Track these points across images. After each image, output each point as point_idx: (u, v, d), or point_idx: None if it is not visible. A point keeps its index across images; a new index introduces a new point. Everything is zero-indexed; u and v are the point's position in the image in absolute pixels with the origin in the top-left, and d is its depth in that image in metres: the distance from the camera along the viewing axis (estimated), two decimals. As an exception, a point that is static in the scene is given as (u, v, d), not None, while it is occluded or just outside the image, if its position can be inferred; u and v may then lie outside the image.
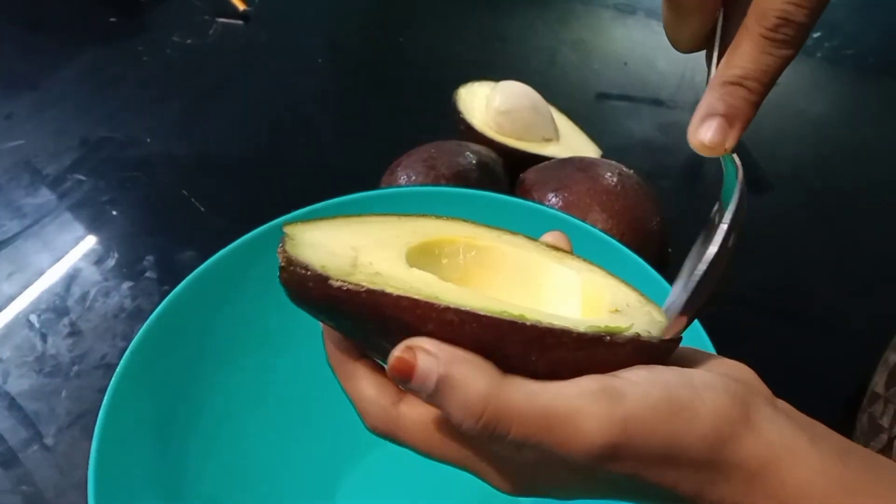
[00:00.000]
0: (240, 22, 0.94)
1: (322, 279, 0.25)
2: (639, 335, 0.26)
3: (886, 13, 0.99)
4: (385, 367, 0.26)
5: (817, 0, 0.27)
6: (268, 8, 0.95)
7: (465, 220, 0.30)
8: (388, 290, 0.24)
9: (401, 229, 0.28)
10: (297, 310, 0.52)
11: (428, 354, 0.24)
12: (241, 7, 0.93)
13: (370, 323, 0.25)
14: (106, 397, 0.42)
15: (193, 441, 0.46)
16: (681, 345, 0.29)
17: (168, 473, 0.44)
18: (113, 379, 0.43)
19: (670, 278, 0.49)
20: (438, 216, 0.30)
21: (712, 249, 0.30)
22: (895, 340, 0.48)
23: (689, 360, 0.28)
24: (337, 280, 0.25)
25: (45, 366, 0.60)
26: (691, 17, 0.31)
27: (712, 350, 0.45)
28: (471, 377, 0.24)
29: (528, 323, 0.25)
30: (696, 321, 0.46)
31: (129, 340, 0.44)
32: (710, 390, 0.25)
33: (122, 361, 0.44)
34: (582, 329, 0.25)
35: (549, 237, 0.31)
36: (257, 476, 0.48)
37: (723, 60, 0.29)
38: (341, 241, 0.27)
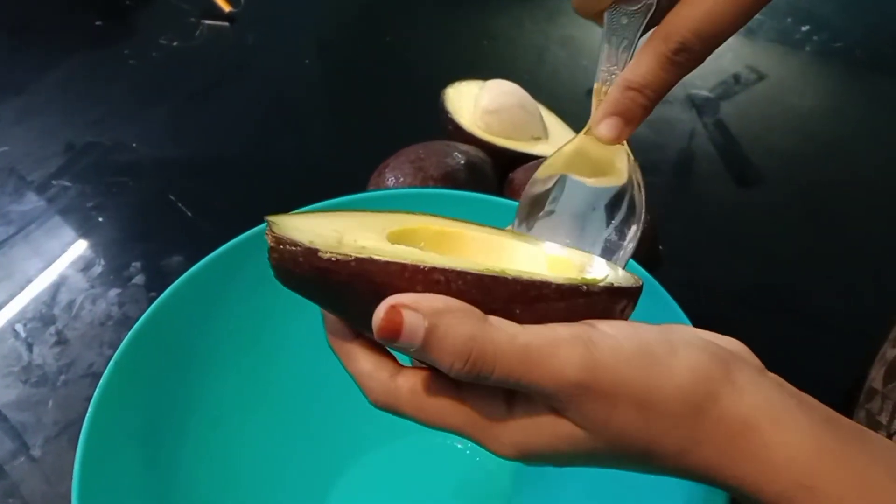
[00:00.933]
0: (226, 23, 0.93)
1: (311, 252, 0.26)
2: (612, 284, 0.28)
3: (873, 7, 0.99)
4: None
5: (713, 36, 0.30)
6: (253, 9, 0.94)
7: (435, 215, 0.32)
8: (376, 257, 0.26)
9: (379, 219, 0.30)
10: (287, 314, 0.52)
11: (411, 310, 0.25)
12: (227, 8, 0.93)
13: (360, 292, 0.26)
14: (90, 408, 0.41)
15: (182, 450, 0.45)
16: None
17: (156, 483, 0.43)
18: (97, 389, 0.42)
19: (662, 278, 0.49)
20: (411, 211, 0.32)
21: (635, 229, 0.34)
22: (893, 334, 0.48)
23: (681, 330, 0.29)
24: (326, 252, 0.26)
25: (31, 375, 0.59)
26: None
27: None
28: (455, 323, 0.25)
29: (510, 277, 0.26)
30: (683, 315, 0.47)
31: (116, 348, 0.44)
32: (689, 347, 0.26)
33: (106, 371, 0.43)
34: (560, 281, 0.27)
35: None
36: (248, 485, 0.48)
37: (629, 65, 0.33)
38: (325, 225, 0.28)
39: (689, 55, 0.31)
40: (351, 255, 0.26)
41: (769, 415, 0.26)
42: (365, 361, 0.29)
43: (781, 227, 0.72)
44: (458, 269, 0.26)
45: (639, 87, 0.32)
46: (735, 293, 0.66)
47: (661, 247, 0.64)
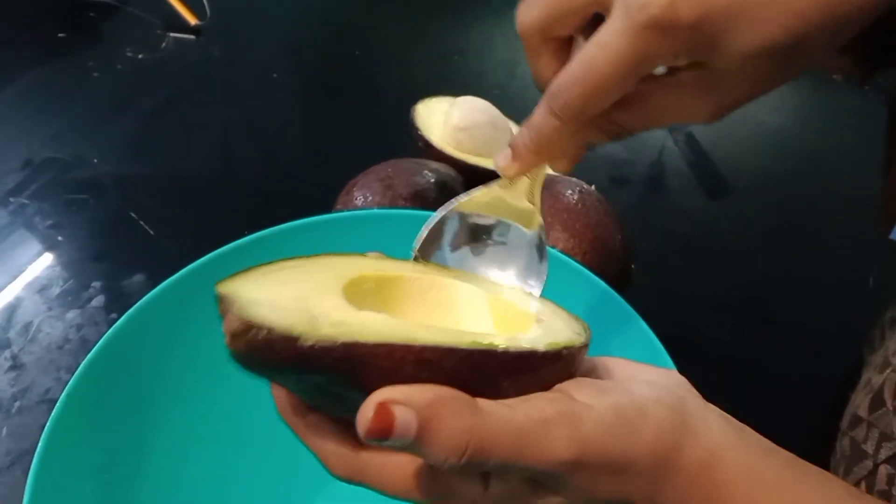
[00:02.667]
0: (191, 36, 0.91)
1: (291, 339, 0.23)
2: (585, 343, 0.28)
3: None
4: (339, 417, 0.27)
5: (590, 96, 0.30)
6: (220, 22, 0.93)
7: (370, 255, 0.32)
8: (361, 339, 0.24)
9: (327, 273, 0.28)
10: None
11: (402, 406, 0.24)
12: (192, 21, 0.91)
13: (342, 377, 0.24)
14: (42, 439, 0.40)
15: (139, 484, 0.43)
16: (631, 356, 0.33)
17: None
18: (49, 419, 0.40)
19: (634, 296, 0.48)
20: (347, 254, 0.30)
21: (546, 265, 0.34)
22: (877, 361, 0.47)
23: (625, 371, 0.31)
24: (308, 339, 0.23)
25: (-17, 403, 0.57)
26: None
27: (668, 358, 0.44)
28: (448, 416, 0.24)
29: (499, 350, 0.25)
30: (650, 331, 0.46)
31: (74, 373, 0.42)
32: (655, 406, 0.27)
33: (60, 399, 0.41)
34: (543, 348, 0.27)
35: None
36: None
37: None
38: (283, 293, 0.25)
39: (569, 112, 0.31)
40: (336, 341, 0.23)
41: (717, 453, 0.27)
42: (326, 437, 0.27)
43: (753, 240, 0.72)
44: (448, 346, 0.24)
45: (529, 127, 0.33)
46: (708, 306, 0.65)
47: (633, 265, 0.64)
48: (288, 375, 0.25)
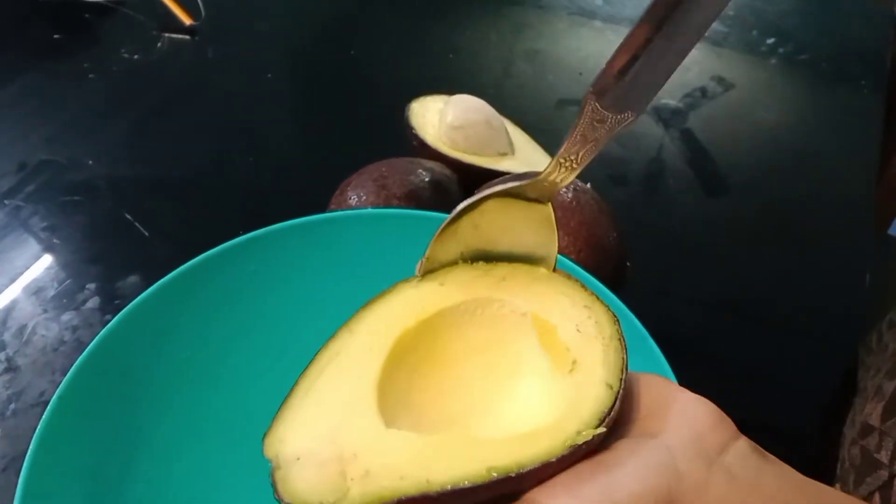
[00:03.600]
0: (186, 37, 0.91)
1: None
2: (603, 430, 0.27)
3: (837, 20, 0.99)
4: None
5: None
6: (215, 22, 0.93)
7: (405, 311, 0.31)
8: (385, 499, 0.25)
9: (357, 367, 0.29)
10: (243, 341, 0.50)
11: None
12: (187, 21, 0.91)
13: None
14: (33, 441, 0.40)
15: (131, 487, 0.43)
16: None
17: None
18: (41, 421, 0.40)
19: (629, 295, 0.48)
20: (384, 298, 0.31)
21: None
22: (888, 366, 0.47)
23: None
24: None
25: (-22, 406, 0.57)
26: None
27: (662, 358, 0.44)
28: None
29: (513, 475, 0.25)
30: (644, 330, 0.46)
31: (67, 376, 0.42)
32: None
33: (51, 402, 0.41)
34: (560, 452, 0.26)
35: None
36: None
37: None
38: (317, 430, 0.27)
39: None
40: None
41: None
42: None
43: (750, 238, 0.72)
44: (468, 485, 0.25)
45: None
46: (704, 305, 0.65)
47: (628, 263, 0.64)
48: None
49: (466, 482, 0.25)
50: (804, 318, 0.65)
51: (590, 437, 0.27)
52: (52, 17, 0.95)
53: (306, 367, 0.29)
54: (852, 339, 0.62)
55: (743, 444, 0.28)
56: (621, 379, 0.29)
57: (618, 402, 0.28)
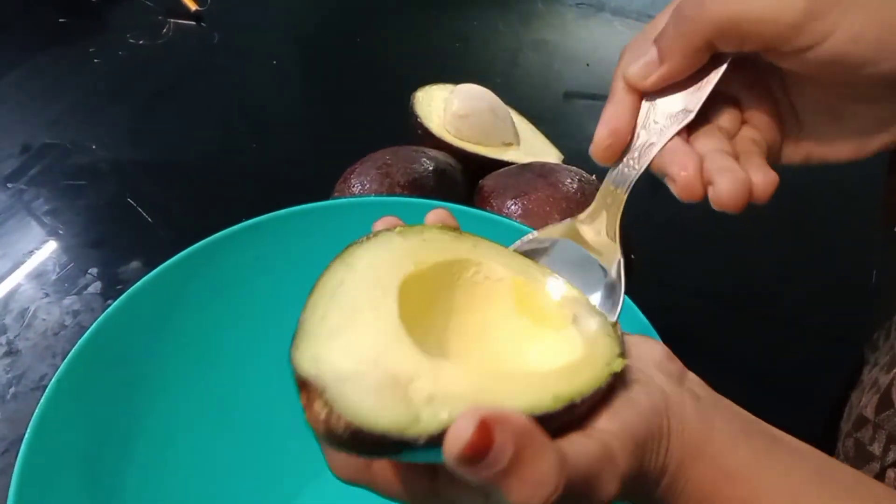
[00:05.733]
0: (192, 22, 0.91)
1: (402, 441, 0.22)
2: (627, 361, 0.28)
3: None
4: None
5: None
6: (220, 8, 0.92)
7: (440, 229, 0.31)
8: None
9: (371, 299, 0.27)
10: (244, 326, 0.50)
11: (502, 427, 0.21)
12: (193, 7, 0.90)
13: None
14: (31, 425, 0.39)
15: (128, 472, 0.43)
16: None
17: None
18: (39, 404, 0.40)
19: (633, 289, 0.48)
20: (371, 240, 0.29)
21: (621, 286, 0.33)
22: (884, 360, 0.46)
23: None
24: (421, 437, 0.22)
25: (-22, 388, 0.57)
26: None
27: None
28: (541, 447, 0.22)
29: (578, 401, 0.25)
30: (648, 323, 0.46)
31: (67, 360, 0.42)
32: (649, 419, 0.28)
33: (49, 386, 0.41)
34: (605, 380, 0.27)
35: (433, 216, 0.32)
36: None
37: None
38: (359, 353, 0.24)
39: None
40: (441, 430, 0.22)
41: (697, 448, 0.28)
42: None
43: (755, 233, 0.71)
44: (542, 413, 0.24)
45: (683, 25, 0.33)
46: (708, 299, 0.65)
47: (632, 255, 0.63)
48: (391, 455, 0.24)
49: (538, 411, 0.24)
50: (810, 314, 0.64)
51: (622, 366, 0.27)
52: (59, 1, 0.95)
53: (310, 294, 0.26)
54: (858, 337, 0.62)
55: (692, 374, 0.31)
56: (614, 324, 0.30)
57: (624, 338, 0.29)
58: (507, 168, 0.64)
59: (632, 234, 0.62)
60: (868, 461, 0.41)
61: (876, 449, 0.41)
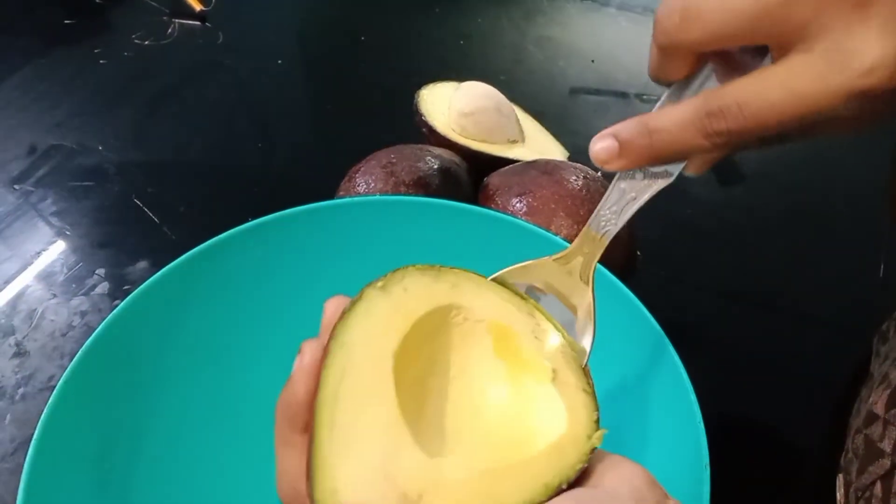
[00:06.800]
0: (197, 22, 0.91)
1: None
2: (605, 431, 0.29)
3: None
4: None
5: (757, 120, 0.28)
6: (225, 8, 0.92)
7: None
8: None
9: (369, 388, 0.28)
10: (251, 326, 0.50)
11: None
12: (198, 7, 0.91)
13: None
14: (39, 425, 0.40)
15: (136, 472, 0.43)
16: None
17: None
18: (47, 404, 0.40)
19: (639, 285, 0.48)
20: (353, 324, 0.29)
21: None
22: (893, 355, 0.46)
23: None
24: None
25: (-13, 389, 0.57)
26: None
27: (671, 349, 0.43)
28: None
29: (564, 486, 0.27)
30: (654, 321, 0.45)
31: (75, 360, 0.42)
32: None
33: (57, 386, 0.41)
34: (586, 458, 0.28)
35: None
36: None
37: (664, 104, 0.32)
38: (367, 472, 0.26)
39: (723, 126, 0.29)
40: None
41: None
42: (300, 460, 0.27)
43: (762, 227, 0.71)
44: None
45: (655, 130, 0.31)
46: (715, 295, 0.65)
47: (638, 252, 0.63)
48: None
49: None
50: (817, 307, 0.64)
51: (601, 441, 0.28)
52: (65, 2, 0.95)
53: (318, 392, 0.27)
54: (866, 329, 0.62)
55: (673, 501, 0.29)
56: (589, 382, 0.30)
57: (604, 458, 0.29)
58: (511, 166, 0.64)
59: (636, 230, 0.62)
60: (877, 458, 0.41)
61: (886, 446, 0.41)
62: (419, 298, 0.30)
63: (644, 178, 0.33)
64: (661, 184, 0.33)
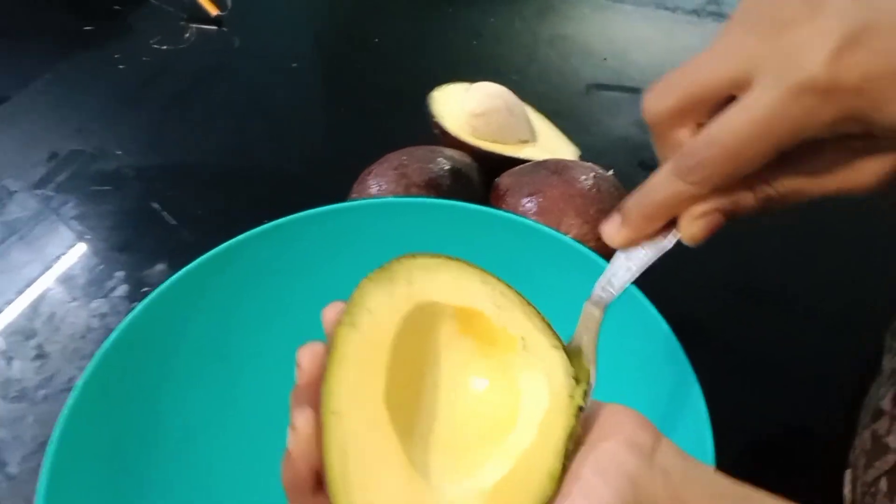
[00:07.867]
0: (213, 27, 0.92)
1: None
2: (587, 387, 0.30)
3: None
4: None
5: (726, 158, 0.29)
6: (241, 12, 0.94)
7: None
8: None
9: (366, 428, 0.28)
10: (267, 326, 0.51)
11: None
12: (213, 11, 0.92)
13: None
14: (56, 427, 0.41)
15: (154, 471, 0.44)
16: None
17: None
18: (66, 405, 0.41)
19: (646, 283, 0.48)
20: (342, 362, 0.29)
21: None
22: None
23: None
24: None
25: (10, 390, 0.58)
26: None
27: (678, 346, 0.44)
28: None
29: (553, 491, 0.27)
30: (661, 318, 0.45)
31: (94, 361, 0.43)
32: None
33: (76, 386, 0.42)
34: (571, 446, 0.28)
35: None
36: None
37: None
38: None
39: (693, 162, 0.30)
40: None
41: None
42: None
43: (770, 223, 0.70)
44: None
45: (644, 192, 0.33)
46: (723, 291, 0.65)
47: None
48: None
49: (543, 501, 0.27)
50: (828, 303, 0.64)
51: (582, 398, 0.29)
52: (83, 8, 0.97)
53: (326, 473, 0.27)
54: (877, 325, 0.61)
55: (666, 442, 0.29)
56: (556, 335, 0.31)
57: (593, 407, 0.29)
58: (522, 166, 0.64)
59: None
60: (884, 453, 0.41)
61: (892, 441, 0.41)
62: (385, 317, 0.30)
63: (645, 250, 0.35)
64: (655, 255, 0.35)
